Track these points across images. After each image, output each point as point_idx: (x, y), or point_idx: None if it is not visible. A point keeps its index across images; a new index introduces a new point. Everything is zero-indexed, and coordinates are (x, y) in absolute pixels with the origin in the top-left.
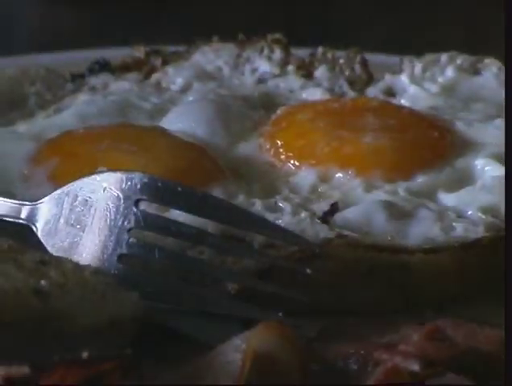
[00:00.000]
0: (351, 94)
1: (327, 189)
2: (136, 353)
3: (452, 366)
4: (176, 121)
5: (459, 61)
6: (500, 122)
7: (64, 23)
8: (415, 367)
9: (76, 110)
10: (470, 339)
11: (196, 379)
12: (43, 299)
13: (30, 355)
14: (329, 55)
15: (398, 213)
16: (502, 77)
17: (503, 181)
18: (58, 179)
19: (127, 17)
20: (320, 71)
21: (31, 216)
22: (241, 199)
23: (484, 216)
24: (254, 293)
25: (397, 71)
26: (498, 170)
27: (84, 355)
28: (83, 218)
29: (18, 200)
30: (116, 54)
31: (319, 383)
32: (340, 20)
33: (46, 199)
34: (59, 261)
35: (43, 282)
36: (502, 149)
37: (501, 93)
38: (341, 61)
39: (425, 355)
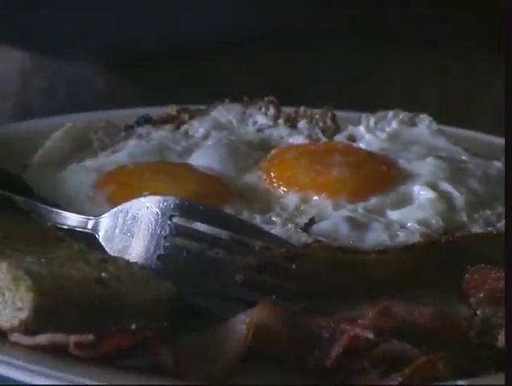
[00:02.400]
0: (324, 139)
1: (307, 208)
2: (170, 324)
3: (396, 334)
4: (199, 159)
5: (401, 116)
6: (430, 160)
7: (121, 89)
8: (370, 335)
9: (127, 151)
10: (408, 315)
11: (214, 342)
12: (104, 286)
13: (94, 326)
14: (308, 112)
15: (357, 225)
16: (432, 128)
17: (434, 201)
18: (114, 201)
19: (163, 85)
20: (302, 124)
21: (95, 227)
22: (245, 215)
23: (419, 227)
24: (255, 282)
25: (357, 123)
26: (430, 194)
27: (133, 326)
28: (132, 228)
29: (86, 216)
30: (156, 111)
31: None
32: (315, 88)
33: (106, 214)
34: (115, 259)
35: (103, 274)
36: (432, 178)
37: (431, 139)
38: (317, 116)
39: (376, 327)
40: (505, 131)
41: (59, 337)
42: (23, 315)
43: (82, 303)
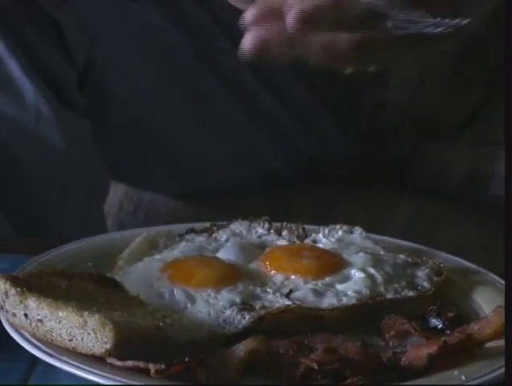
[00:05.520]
0: (298, 242)
1: (288, 283)
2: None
3: (336, 362)
4: (223, 254)
5: (344, 228)
6: (362, 254)
7: (177, 212)
8: (315, 366)
9: (180, 250)
10: (343, 351)
11: (225, 360)
12: (161, 331)
13: (153, 355)
14: (288, 225)
15: (317, 293)
16: (363, 235)
17: (364, 279)
18: (172, 280)
19: (201, 209)
20: (285, 233)
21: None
22: (251, 288)
23: (355, 294)
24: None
25: (317, 232)
26: (361, 275)
27: (187, 359)
28: None
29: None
30: (197, 225)
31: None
32: (291, 212)
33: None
34: (171, 315)
35: (161, 324)
36: (363, 265)
37: (362, 242)
38: (293, 228)
39: (320, 361)
40: (505, 132)
41: (141, 364)
42: (108, 346)
43: (146, 341)
